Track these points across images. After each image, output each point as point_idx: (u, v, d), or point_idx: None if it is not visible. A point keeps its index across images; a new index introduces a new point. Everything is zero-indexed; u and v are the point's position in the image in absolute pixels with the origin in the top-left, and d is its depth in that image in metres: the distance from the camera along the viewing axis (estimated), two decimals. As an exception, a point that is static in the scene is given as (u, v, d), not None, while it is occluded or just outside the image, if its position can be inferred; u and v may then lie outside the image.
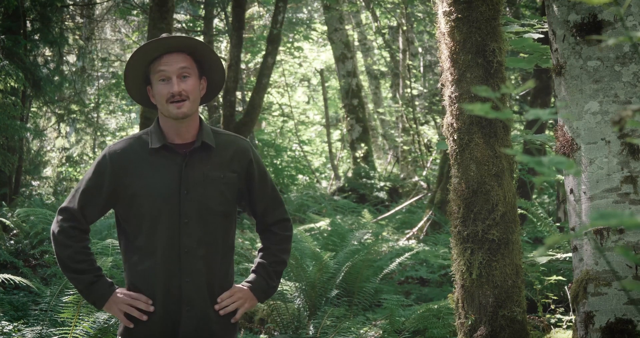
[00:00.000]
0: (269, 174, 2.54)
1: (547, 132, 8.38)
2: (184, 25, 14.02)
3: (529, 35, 3.65)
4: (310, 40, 17.84)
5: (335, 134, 19.42)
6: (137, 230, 2.34)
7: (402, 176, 14.62)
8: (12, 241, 7.00)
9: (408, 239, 8.12)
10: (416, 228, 8.39)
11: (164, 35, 2.36)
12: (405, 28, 14.05)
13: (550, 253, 4.67)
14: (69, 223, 2.36)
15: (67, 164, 14.55)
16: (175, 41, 2.34)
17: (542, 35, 3.72)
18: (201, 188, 2.34)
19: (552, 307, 5.02)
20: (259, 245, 2.65)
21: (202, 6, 13.53)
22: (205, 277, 2.34)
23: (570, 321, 4.50)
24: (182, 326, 2.32)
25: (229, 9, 11.78)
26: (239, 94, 13.16)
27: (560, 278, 4.96)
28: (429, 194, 10.81)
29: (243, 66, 15.89)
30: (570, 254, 3.36)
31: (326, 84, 18.39)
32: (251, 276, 2.50)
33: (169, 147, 2.35)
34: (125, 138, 2.43)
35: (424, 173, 13.15)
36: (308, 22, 17.54)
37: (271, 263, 2.50)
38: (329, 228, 7.76)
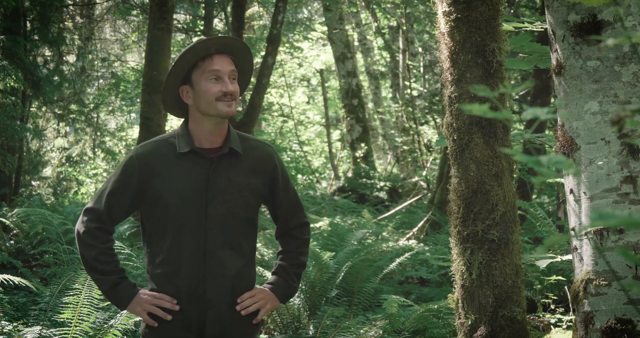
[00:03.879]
0: (291, 179, 2.58)
1: (547, 132, 8.38)
2: (184, 25, 14.02)
3: (527, 29, 3.64)
4: (310, 41, 17.84)
5: (335, 134, 19.42)
6: (162, 233, 2.35)
7: (402, 176, 14.62)
8: (12, 241, 7.00)
9: (408, 239, 8.11)
10: (416, 228, 8.39)
11: (203, 37, 2.38)
12: (405, 28, 14.05)
13: (551, 255, 4.67)
14: (95, 223, 2.36)
15: (67, 164, 14.55)
16: (230, 41, 2.38)
17: (541, 29, 3.71)
18: (227, 194, 2.36)
19: (552, 307, 5.02)
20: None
21: (202, 6, 13.53)
22: (228, 281, 2.36)
23: (570, 321, 4.50)
24: (207, 329, 2.33)
25: (229, 9, 11.78)
26: (238, 94, 13.14)
27: (560, 278, 4.96)
28: (429, 194, 10.81)
29: (243, 66, 15.85)
30: (570, 255, 3.36)
31: (326, 84, 18.39)
32: (272, 278, 2.53)
33: (197, 151, 2.36)
34: (152, 140, 2.44)
35: (424, 173, 13.14)
36: (308, 22, 17.54)
37: (291, 265, 2.54)
38: (329, 228, 7.77)
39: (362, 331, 4.50)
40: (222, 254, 2.34)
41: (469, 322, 2.97)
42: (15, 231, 7.25)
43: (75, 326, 3.74)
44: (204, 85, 2.34)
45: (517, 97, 10.37)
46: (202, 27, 13.13)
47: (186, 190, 2.33)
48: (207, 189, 2.33)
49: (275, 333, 5.15)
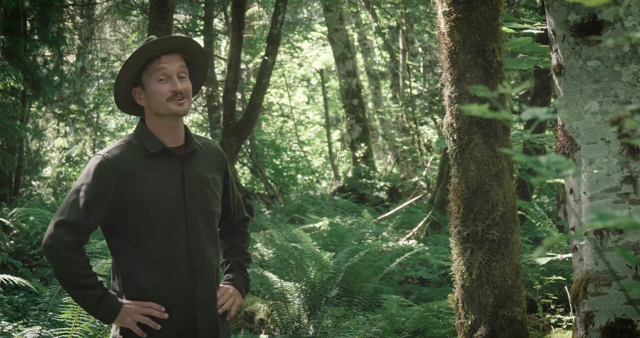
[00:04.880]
0: None
1: (547, 132, 8.37)
2: (184, 25, 14.01)
3: (527, 31, 3.65)
4: (310, 41, 17.84)
5: (335, 134, 19.41)
6: (152, 234, 2.29)
7: (402, 176, 14.62)
8: (12, 241, 7.00)
9: (408, 239, 8.11)
10: (416, 228, 8.38)
11: (152, 37, 2.37)
12: (405, 28, 14.05)
13: (551, 253, 4.68)
14: (73, 236, 2.24)
15: (67, 164, 14.55)
16: (176, 41, 2.36)
17: (541, 32, 3.71)
18: (200, 191, 2.37)
19: (552, 307, 5.02)
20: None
21: (202, 6, 13.53)
22: (213, 279, 2.37)
23: (570, 321, 4.50)
24: (200, 330, 2.32)
25: (229, 9, 11.79)
26: (238, 94, 13.15)
27: (560, 278, 4.96)
28: (429, 194, 10.81)
29: (243, 66, 15.89)
30: (570, 254, 3.36)
31: (326, 84, 18.38)
32: (230, 274, 2.55)
33: (168, 151, 2.35)
34: (115, 145, 2.36)
35: (424, 173, 13.14)
36: (308, 22, 17.54)
37: (244, 260, 2.60)
38: (329, 228, 7.76)
39: (362, 331, 4.50)
40: (206, 252, 2.36)
41: (469, 322, 2.97)
42: (15, 231, 7.25)
43: (75, 326, 3.74)
44: (154, 86, 2.32)
45: (517, 97, 10.37)
46: (202, 27, 13.13)
47: (167, 190, 2.31)
48: (184, 187, 2.33)
49: (275, 333, 5.15)
